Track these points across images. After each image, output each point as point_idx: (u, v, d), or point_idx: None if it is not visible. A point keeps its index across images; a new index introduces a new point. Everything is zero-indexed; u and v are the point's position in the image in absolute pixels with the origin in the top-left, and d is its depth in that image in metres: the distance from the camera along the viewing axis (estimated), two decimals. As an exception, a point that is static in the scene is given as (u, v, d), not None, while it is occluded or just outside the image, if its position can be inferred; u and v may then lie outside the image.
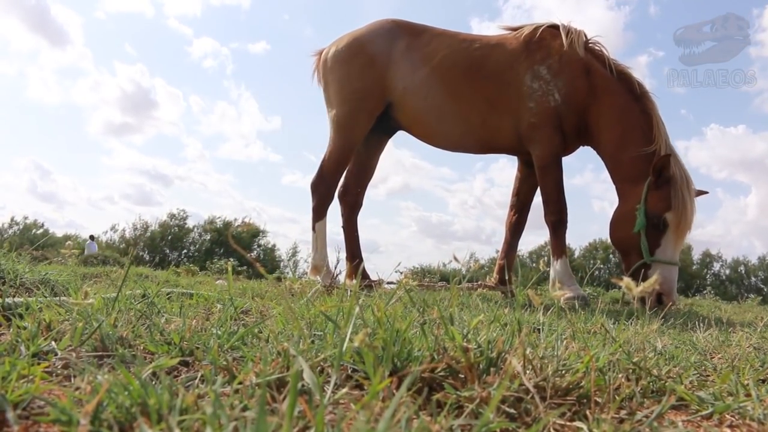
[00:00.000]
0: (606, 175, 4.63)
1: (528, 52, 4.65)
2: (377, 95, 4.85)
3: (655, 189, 4.20)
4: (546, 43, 4.66)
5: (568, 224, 4.55)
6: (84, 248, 19.57)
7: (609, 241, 4.74)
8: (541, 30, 4.73)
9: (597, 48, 4.72)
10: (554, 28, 4.78)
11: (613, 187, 4.60)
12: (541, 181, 4.62)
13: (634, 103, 4.46)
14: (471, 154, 5.43)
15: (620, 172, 4.46)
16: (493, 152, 5.23)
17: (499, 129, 4.77)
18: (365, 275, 4.80)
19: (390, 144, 5.40)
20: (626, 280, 1.05)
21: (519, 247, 5.42)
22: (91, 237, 23.31)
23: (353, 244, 5.15)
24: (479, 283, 5.28)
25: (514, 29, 4.94)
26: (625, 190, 4.41)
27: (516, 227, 5.28)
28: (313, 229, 4.88)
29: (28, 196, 65.10)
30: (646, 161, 4.26)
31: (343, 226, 5.20)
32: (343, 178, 5.08)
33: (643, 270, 4.21)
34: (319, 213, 4.87)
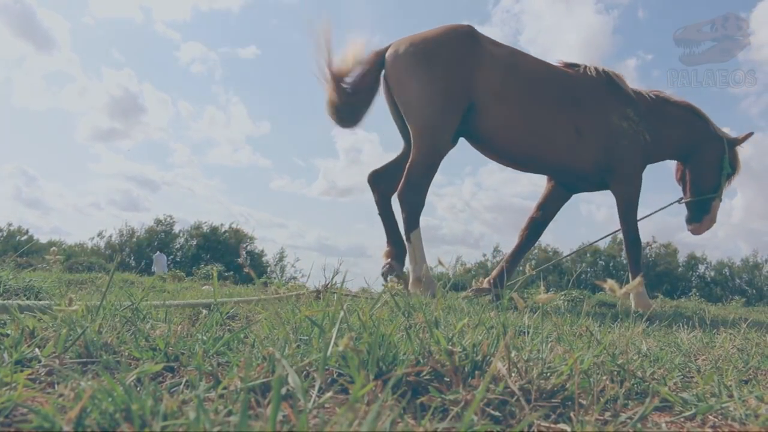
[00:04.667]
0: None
1: (607, 93, 5.09)
2: (463, 94, 4.65)
3: (731, 149, 5.45)
4: (617, 84, 5.15)
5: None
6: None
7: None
8: (601, 71, 5.14)
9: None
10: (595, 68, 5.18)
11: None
12: (624, 217, 5.06)
13: (671, 106, 5.36)
14: (538, 174, 5.50)
15: (682, 149, 5.49)
16: (565, 176, 5.32)
17: (582, 157, 4.96)
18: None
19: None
20: (610, 282, 1.07)
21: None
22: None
23: (392, 229, 4.88)
24: (475, 288, 5.21)
25: (570, 65, 5.23)
26: (694, 154, 5.48)
27: (530, 239, 5.45)
28: (408, 239, 4.55)
29: (13, 203, 64.13)
30: (694, 132, 5.41)
31: (379, 213, 4.93)
32: (391, 168, 4.90)
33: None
34: (412, 222, 4.55)
